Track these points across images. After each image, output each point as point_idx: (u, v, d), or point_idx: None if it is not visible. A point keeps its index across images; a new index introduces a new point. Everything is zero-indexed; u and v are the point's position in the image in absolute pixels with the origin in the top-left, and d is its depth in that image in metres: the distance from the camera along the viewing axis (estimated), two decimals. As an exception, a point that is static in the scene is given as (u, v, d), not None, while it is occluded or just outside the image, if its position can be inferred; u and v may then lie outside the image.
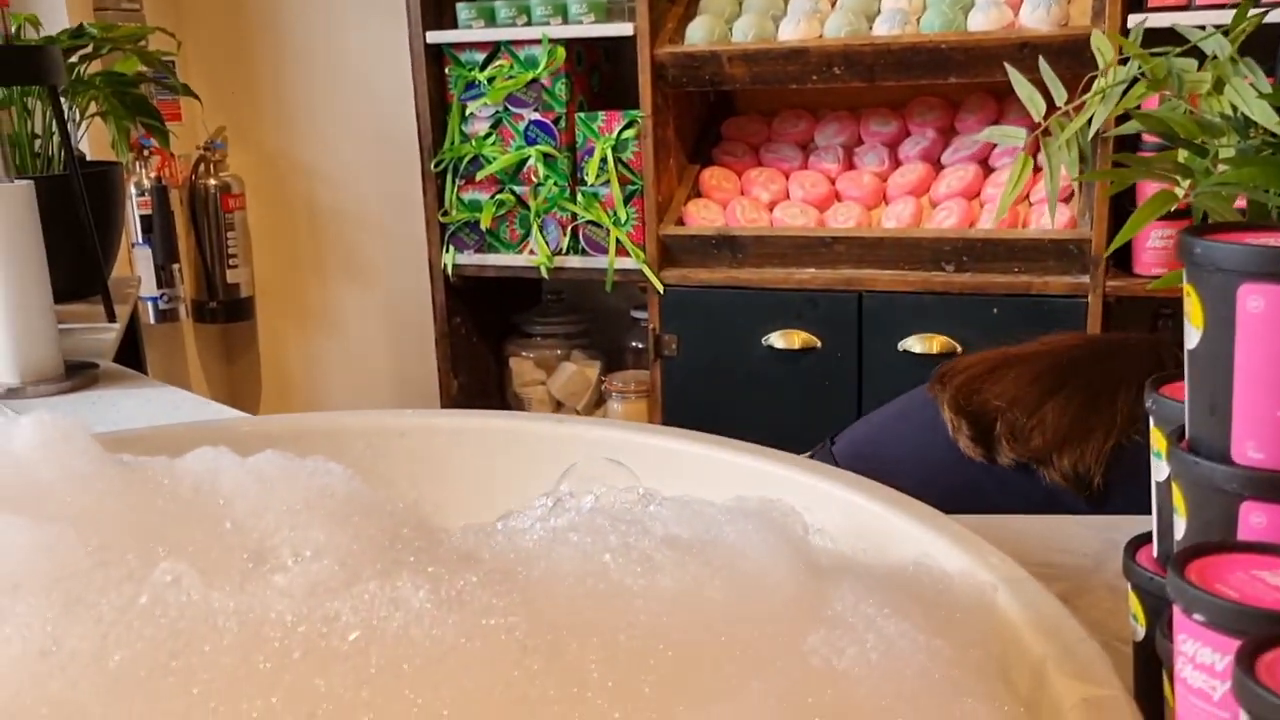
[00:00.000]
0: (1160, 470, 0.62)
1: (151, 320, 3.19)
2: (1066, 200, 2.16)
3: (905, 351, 2.17)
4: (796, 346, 2.22)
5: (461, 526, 0.64)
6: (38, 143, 2.26)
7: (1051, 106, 0.87)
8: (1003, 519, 1.07)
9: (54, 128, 2.14)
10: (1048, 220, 2.11)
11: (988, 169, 2.27)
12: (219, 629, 0.48)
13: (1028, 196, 2.22)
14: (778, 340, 2.23)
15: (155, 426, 1.09)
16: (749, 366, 2.23)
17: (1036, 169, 1.87)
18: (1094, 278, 2.04)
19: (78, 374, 1.55)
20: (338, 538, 0.54)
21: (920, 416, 1.40)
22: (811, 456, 1.46)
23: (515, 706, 0.50)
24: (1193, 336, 0.56)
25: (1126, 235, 0.73)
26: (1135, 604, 0.69)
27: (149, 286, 3.15)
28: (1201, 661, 0.50)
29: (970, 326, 2.14)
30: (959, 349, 2.15)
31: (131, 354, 2.39)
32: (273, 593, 0.51)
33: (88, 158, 2.46)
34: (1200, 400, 0.57)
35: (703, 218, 2.33)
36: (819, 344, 2.22)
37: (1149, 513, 0.75)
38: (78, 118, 2.34)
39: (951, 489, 1.36)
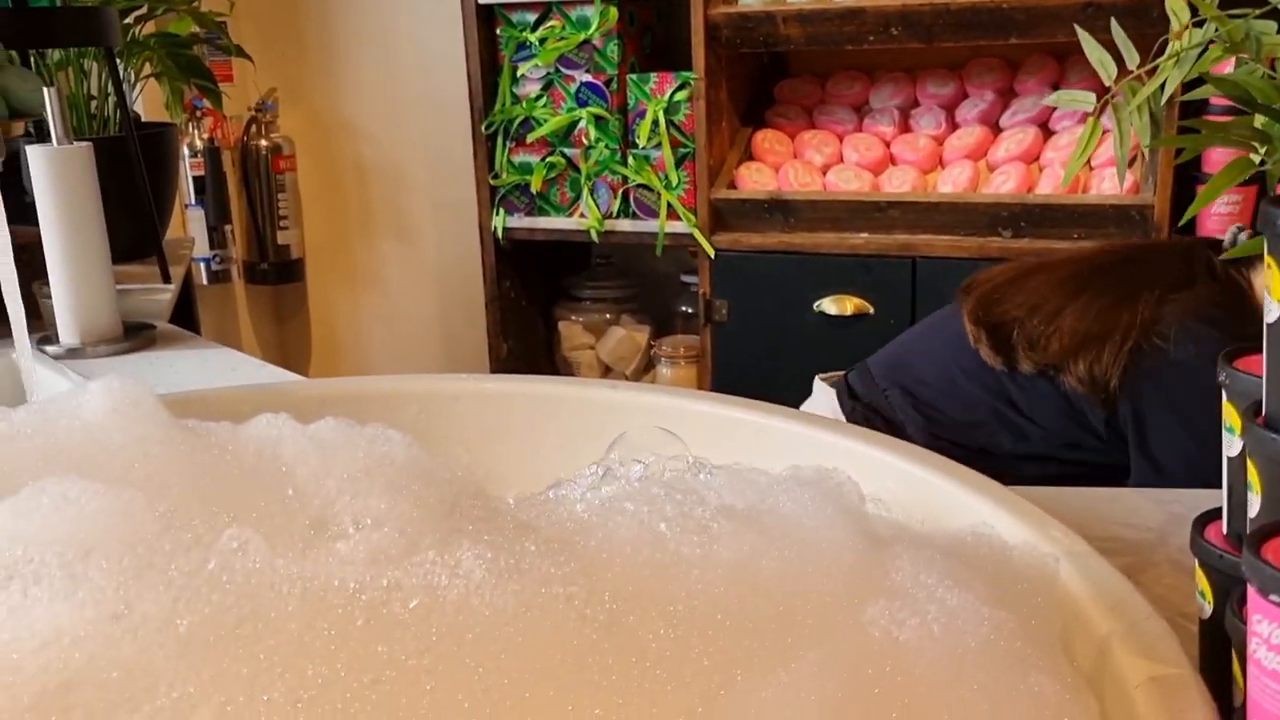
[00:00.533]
0: (1232, 445, 0.61)
1: (204, 281, 3.22)
2: (1131, 165, 2.12)
3: (959, 317, 2.14)
4: (849, 312, 2.20)
5: (515, 495, 0.64)
6: (93, 104, 2.28)
7: (1120, 69, 0.85)
8: (1062, 491, 1.06)
9: (110, 89, 2.16)
10: (1109, 185, 2.07)
11: (1048, 132, 2.23)
12: (283, 595, 0.48)
13: (1089, 161, 2.18)
14: (829, 306, 2.21)
15: (215, 389, 1.10)
16: (800, 332, 2.21)
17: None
18: (1154, 244, 2.00)
19: (135, 335, 1.57)
20: (398, 505, 0.54)
21: (947, 328, 1.41)
22: (847, 375, 1.46)
23: (574, 675, 0.50)
24: (1273, 310, 0.54)
25: (1201, 204, 0.72)
26: (1203, 581, 0.67)
27: (201, 247, 3.18)
28: (1277, 643, 0.49)
29: (1025, 293, 2.11)
30: (1013, 315, 2.12)
31: (185, 315, 2.42)
32: (335, 560, 0.51)
33: (142, 119, 2.47)
34: (1277, 376, 0.55)
35: (755, 181, 2.31)
36: (871, 310, 2.20)
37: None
38: (132, 79, 2.36)
39: (975, 397, 1.35)
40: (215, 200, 3.19)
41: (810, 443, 0.89)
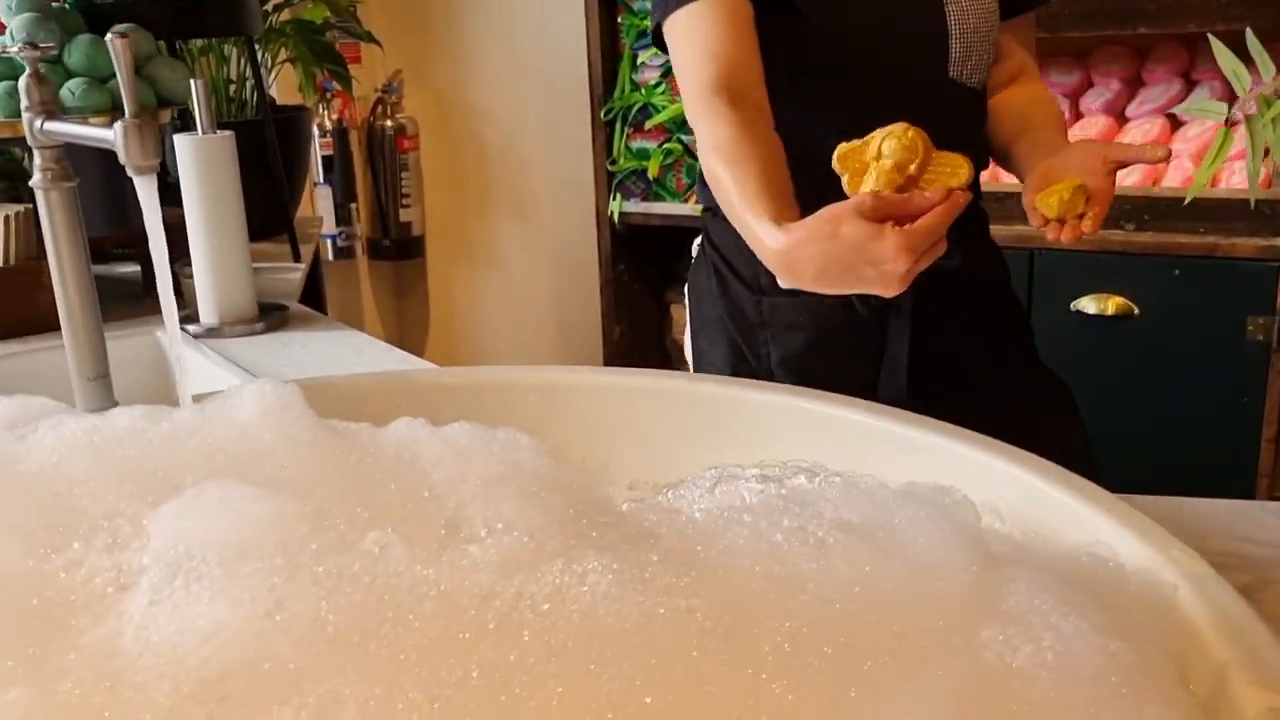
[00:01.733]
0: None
1: (330, 257, 3.32)
2: (1268, 186, 2.05)
3: (1078, 312, 2.10)
4: (964, 304, 2.17)
5: (631, 498, 0.67)
6: (231, 89, 2.36)
7: (1253, 74, 0.83)
8: (1183, 501, 1.04)
9: (248, 74, 2.24)
10: (1238, 179, 2.00)
11: (1176, 123, 2.16)
12: (421, 597, 0.51)
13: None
14: (945, 298, 2.19)
15: (347, 376, 1.14)
16: (914, 323, 2.19)
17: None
18: (1288, 241, 1.93)
19: (269, 315, 1.64)
20: (527, 512, 0.57)
21: None
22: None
23: (694, 686, 0.52)
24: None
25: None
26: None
27: (328, 225, 3.28)
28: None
29: (1149, 287, 2.06)
30: (1135, 310, 2.07)
31: (313, 291, 2.50)
32: (468, 564, 0.54)
33: (276, 102, 2.55)
34: None
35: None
36: (987, 303, 2.17)
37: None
38: (269, 64, 2.44)
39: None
40: (342, 179, 3.28)
41: (925, 448, 0.89)
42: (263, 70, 2.39)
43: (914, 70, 1.17)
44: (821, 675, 0.54)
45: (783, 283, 0.95)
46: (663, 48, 1.16)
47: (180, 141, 1.54)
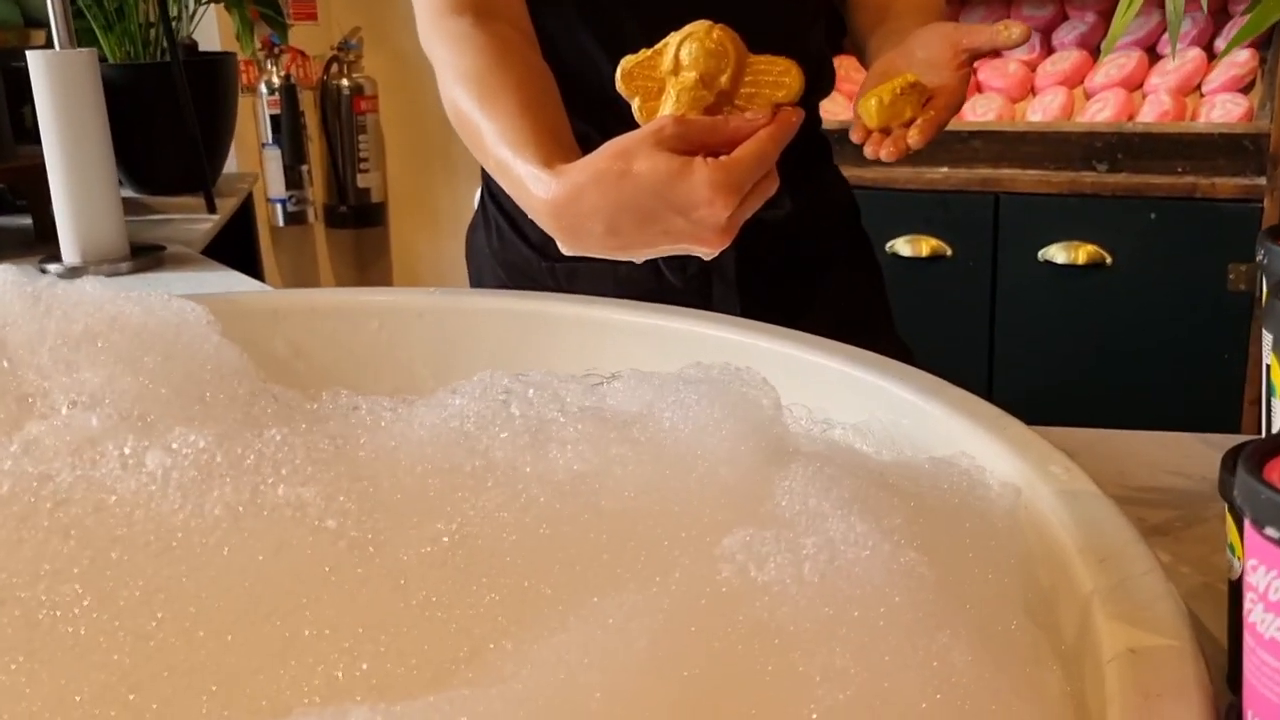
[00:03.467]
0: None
1: (280, 222, 3.18)
2: (1246, 91, 1.88)
3: (1047, 261, 1.94)
4: (924, 254, 2.01)
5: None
6: (152, 32, 2.22)
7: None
8: (1109, 434, 0.89)
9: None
10: (1219, 113, 1.84)
11: (1154, 58, 2.00)
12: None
13: (1199, 87, 1.95)
14: (903, 247, 2.02)
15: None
16: (871, 275, 2.04)
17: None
18: (1272, 179, 1.77)
19: (142, 256, 1.50)
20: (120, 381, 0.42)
21: None
22: None
23: (309, 596, 0.38)
24: None
25: (1245, 35, 0.55)
26: (1233, 531, 0.52)
27: (277, 188, 3.14)
28: (1278, 599, 0.34)
29: (1123, 233, 1.90)
30: (1108, 259, 1.91)
31: (247, 253, 2.36)
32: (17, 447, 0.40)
33: (204, 49, 2.41)
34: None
35: (827, 111, 2.13)
36: (949, 251, 2.01)
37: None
38: (190, 5, 2.29)
39: None
40: (291, 139, 3.13)
41: (790, 360, 0.75)
42: (183, 10, 2.25)
43: None
44: (492, 594, 0.39)
45: (564, 247, 0.74)
46: None
47: (34, 59, 1.39)
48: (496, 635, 0.37)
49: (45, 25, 1.57)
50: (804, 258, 1.02)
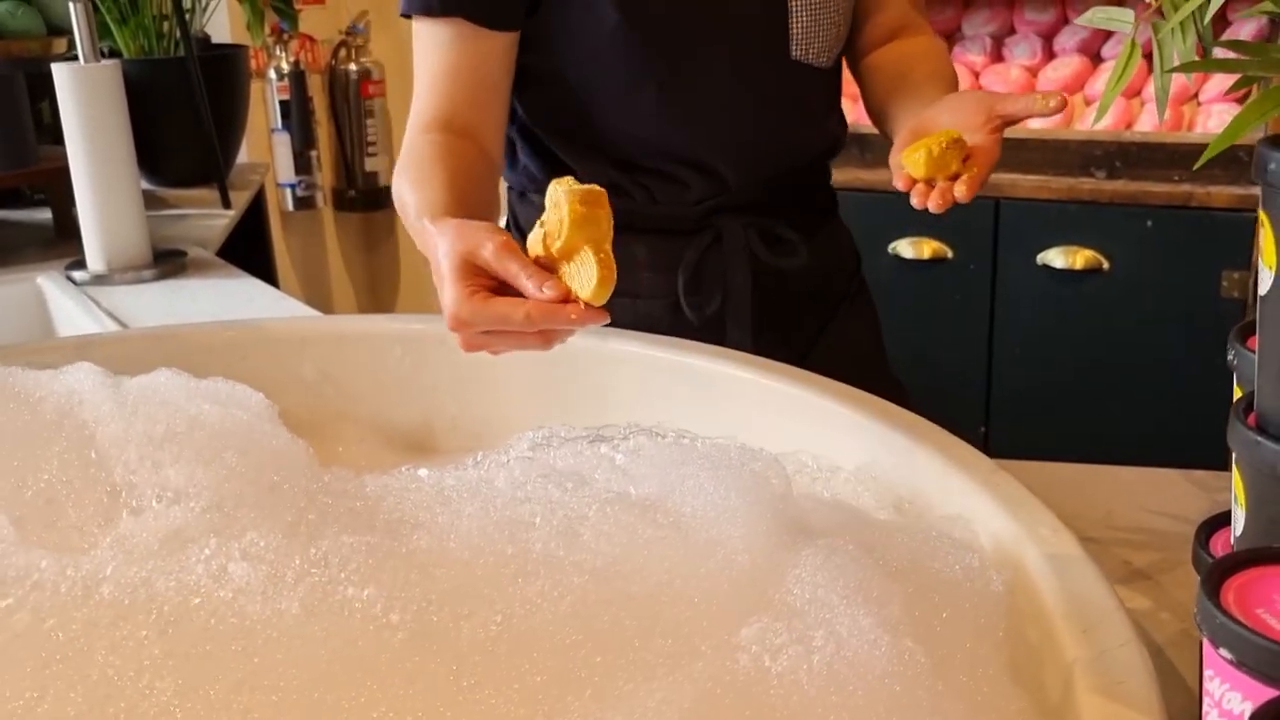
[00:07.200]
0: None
1: (290, 207, 3.21)
2: (1241, 100, 1.92)
3: (1045, 265, 1.98)
4: (925, 256, 2.06)
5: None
6: (165, 24, 2.24)
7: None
8: (1099, 470, 0.93)
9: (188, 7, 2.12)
10: (1215, 122, 1.88)
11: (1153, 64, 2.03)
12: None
13: (1196, 96, 1.98)
14: (905, 249, 2.07)
15: (192, 325, 1.04)
16: (872, 276, 2.05)
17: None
18: (1266, 190, 1.81)
19: (165, 262, 1.54)
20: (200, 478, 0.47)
21: None
22: None
23: (372, 687, 0.43)
24: (1266, 279, 0.43)
25: (1224, 142, 0.59)
26: (1203, 598, 0.56)
27: (286, 173, 3.16)
28: (1230, 709, 0.39)
29: (1120, 240, 1.94)
30: (1105, 264, 1.95)
31: (258, 242, 2.39)
32: (103, 545, 0.44)
33: (216, 40, 2.44)
34: (1272, 362, 0.44)
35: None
36: (950, 254, 2.05)
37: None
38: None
39: None
40: (300, 125, 3.16)
41: (799, 404, 0.79)
42: (196, 4, 2.28)
43: (749, 56, 0.99)
44: (537, 676, 0.44)
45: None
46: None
47: (59, 71, 1.43)
48: (545, 714, 0.42)
49: (67, 33, 1.61)
50: (814, 302, 1.09)
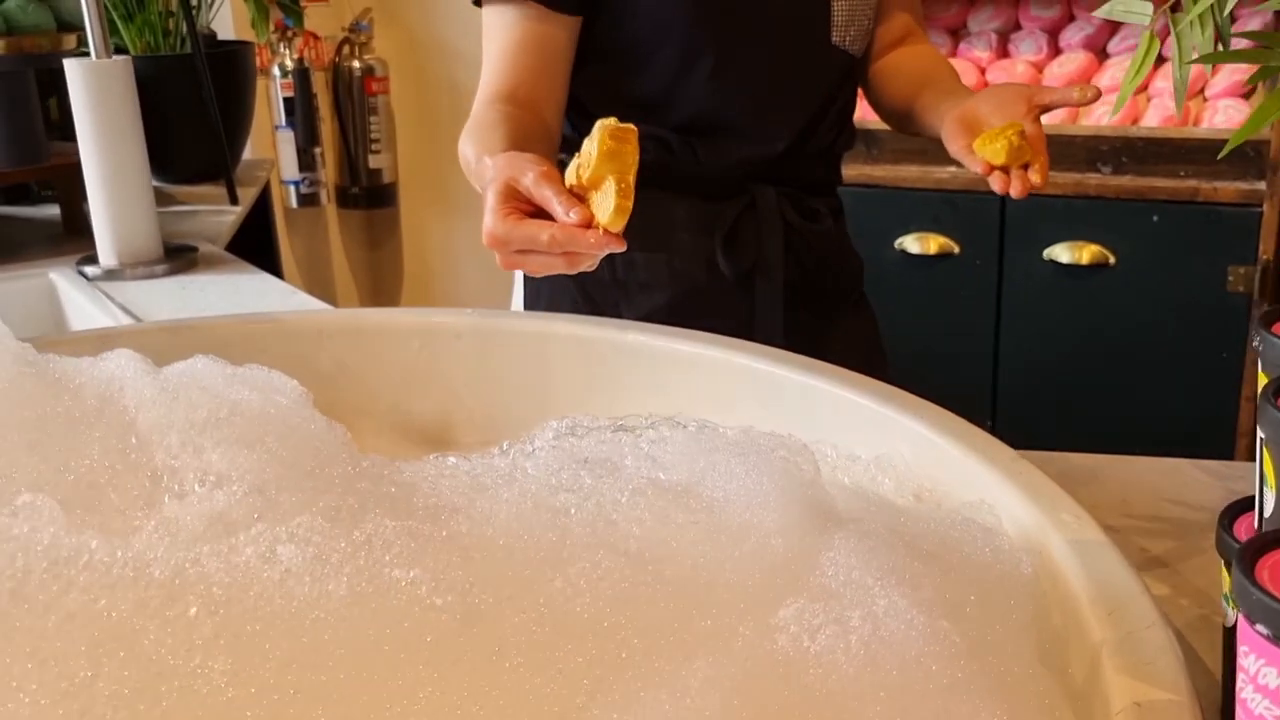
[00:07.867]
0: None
1: (293, 204, 3.21)
2: (1247, 97, 1.93)
3: (1051, 260, 1.99)
4: (932, 252, 2.06)
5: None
6: (170, 21, 2.25)
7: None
8: (1117, 460, 0.94)
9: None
10: (1222, 118, 1.88)
11: (1161, 59, 2.04)
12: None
13: (1202, 91, 1.99)
14: (912, 244, 2.07)
15: (205, 318, 1.05)
16: (879, 271, 2.07)
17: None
18: (1272, 184, 1.81)
19: (176, 257, 1.54)
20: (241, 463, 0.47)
21: None
22: None
23: (421, 670, 0.43)
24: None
25: (1247, 132, 0.60)
26: (1227, 582, 0.57)
27: (290, 170, 3.17)
28: (1265, 683, 0.40)
29: (1126, 235, 1.94)
30: (1111, 259, 1.96)
31: (264, 238, 2.40)
32: (146, 530, 0.45)
33: (221, 37, 2.44)
34: (1303, 347, 0.44)
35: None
36: (956, 250, 2.06)
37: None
38: (208, -4, 2.32)
39: None
40: (304, 122, 3.17)
41: (824, 398, 0.80)
42: (202, 0, 2.28)
43: (795, 38, 1.08)
44: (579, 657, 0.44)
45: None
46: None
47: (71, 66, 1.43)
48: (584, 700, 0.43)
49: (77, 29, 1.61)
50: (835, 270, 1.16)
